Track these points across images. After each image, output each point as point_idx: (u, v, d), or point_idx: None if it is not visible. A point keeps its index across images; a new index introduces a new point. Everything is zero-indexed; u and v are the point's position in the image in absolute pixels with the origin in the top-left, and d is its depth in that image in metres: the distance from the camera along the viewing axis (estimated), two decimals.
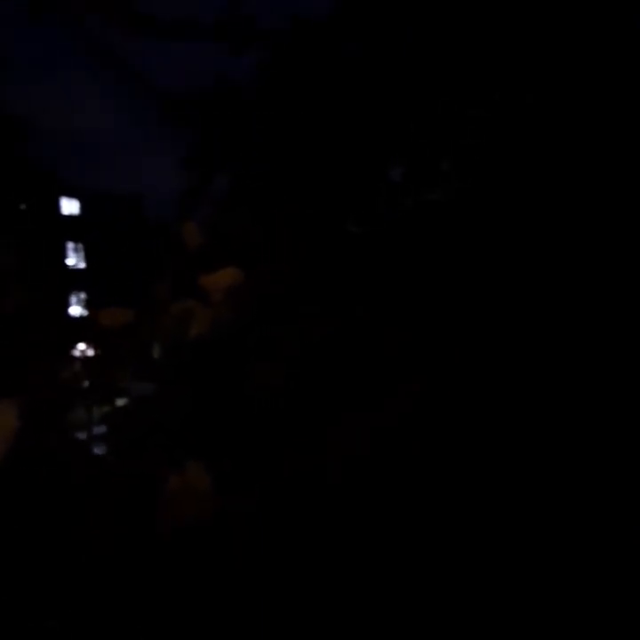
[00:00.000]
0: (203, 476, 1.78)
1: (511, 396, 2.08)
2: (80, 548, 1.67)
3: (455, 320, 2.23)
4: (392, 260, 2.40)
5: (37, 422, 1.94)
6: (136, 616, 1.62)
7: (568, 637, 1.68)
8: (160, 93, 2.76)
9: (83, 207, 20.57)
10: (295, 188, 2.63)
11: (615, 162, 2.28)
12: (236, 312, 2.24)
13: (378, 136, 2.62)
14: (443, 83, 2.54)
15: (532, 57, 2.44)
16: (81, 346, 2.49)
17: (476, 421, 2.04)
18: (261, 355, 2.26)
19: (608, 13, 2.37)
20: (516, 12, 2.48)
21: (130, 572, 1.67)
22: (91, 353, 2.36)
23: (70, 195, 19.98)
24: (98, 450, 2.31)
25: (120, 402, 2.43)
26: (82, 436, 2.24)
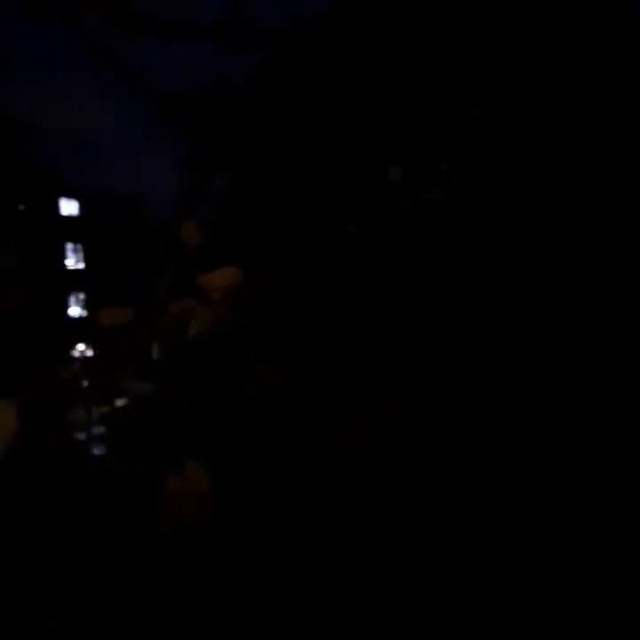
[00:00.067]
0: (202, 475, 1.77)
1: (510, 395, 2.07)
2: (80, 547, 1.67)
3: (455, 320, 2.23)
4: (392, 260, 2.40)
5: (37, 422, 1.94)
6: (136, 616, 1.62)
7: (568, 637, 1.68)
8: (160, 93, 2.77)
9: (82, 207, 20.57)
10: (295, 188, 2.63)
11: (614, 161, 2.28)
12: (235, 311, 2.24)
13: (377, 136, 2.62)
14: (442, 83, 2.54)
15: (532, 57, 2.44)
16: (80, 346, 2.49)
17: (475, 421, 2.04)
18: (261, 355, 2.26)
19: (608, 13, 2.37)
20: (516, 12, 2.48)
21: (130, 572, 1.67)
22: (90, 353, 2.35)
23: (69, 195, 19.97)
24: (97, 450, 2.31)
25: (119, 402, 2.43)
26: (81, 436, 2.24)
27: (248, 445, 2.07)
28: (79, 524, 1.73)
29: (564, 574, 1.75)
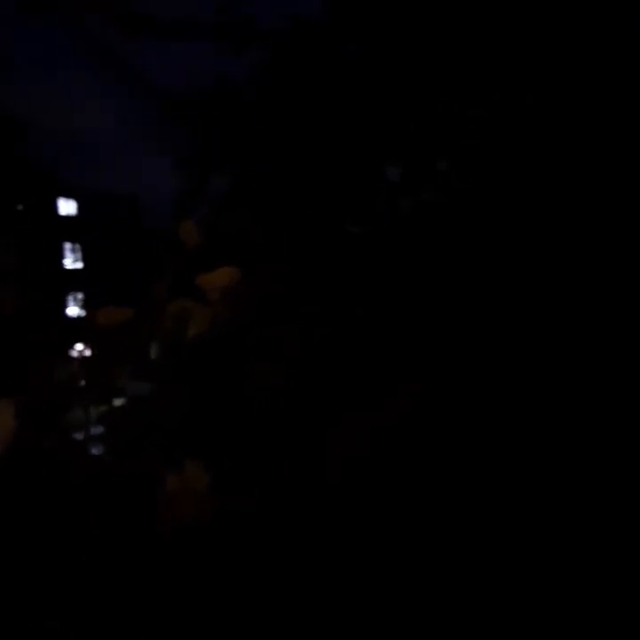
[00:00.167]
0: (201, 475, 1.77)
1: (510, 395, 2.07)
2: (80, 547, 1.66)
3: (454, 320, 2.23)
4: (391, 260, 2.40)
5: (36, 422, 1.94)
6: (136, 616, 1.62)
7: (568, 636, 1.68)
8: (160, 93, 2.76)
9: (80, 207, 20.55)
10: (295, 188, 2.63)
11: (614, 161, 2.28)
12: (233, 311, 2.24)
13: (377, 136, 2.62)
14: (442, 83, 2.54)
15: (532, 57, 2.44)
16: (79, 346, 2.49)
17: (475, 421, 2.04)
18: (261, 355, 2.26)
19: (608, 13, 2.37)
20: (516, 12, 2.48)
21: (129, 572, 1.67)
22: (88, 353, 2.35)
23: (68, 195, 19.95)
24: (96, 450, 2.30)
25: (118, 401, 2.43)
26: (80, 435, 2.23)
27: (248, 445, 2.07)
28: (79, 523, 1.72)
29: (564, 574, 1.75)
